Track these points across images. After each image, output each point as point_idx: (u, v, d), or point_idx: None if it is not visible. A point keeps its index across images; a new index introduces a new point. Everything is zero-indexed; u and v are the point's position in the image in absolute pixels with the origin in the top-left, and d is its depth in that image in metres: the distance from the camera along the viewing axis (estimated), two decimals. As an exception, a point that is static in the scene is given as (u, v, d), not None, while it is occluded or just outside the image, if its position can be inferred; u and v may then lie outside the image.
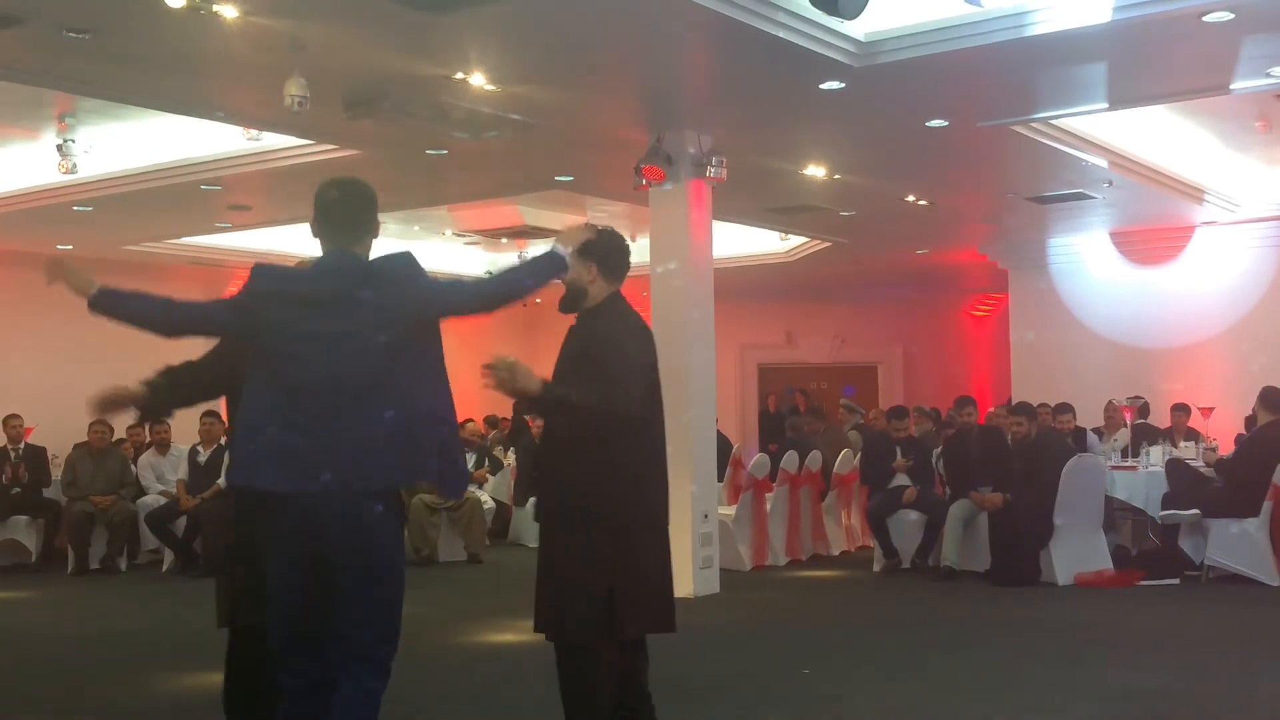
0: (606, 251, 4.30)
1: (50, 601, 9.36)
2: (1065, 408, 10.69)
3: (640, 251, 9.76)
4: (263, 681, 3.85)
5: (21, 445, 11.15)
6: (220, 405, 12.06)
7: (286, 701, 3.62)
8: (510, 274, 3.88)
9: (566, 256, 3.98)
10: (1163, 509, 9.25)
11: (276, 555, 3.59)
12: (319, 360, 3.56)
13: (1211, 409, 10.87)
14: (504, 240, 14.63)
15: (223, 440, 11.21)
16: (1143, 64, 7.53)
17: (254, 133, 9.00)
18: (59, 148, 9.20)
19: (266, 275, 3.81)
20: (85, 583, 10.23)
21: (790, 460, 10.55)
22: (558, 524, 4.18)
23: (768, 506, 10.26)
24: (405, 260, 3.79)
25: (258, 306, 3.69)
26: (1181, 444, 10.62)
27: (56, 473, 11.23)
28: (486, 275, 4.04)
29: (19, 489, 10.86)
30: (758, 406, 19.42)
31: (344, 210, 3.94)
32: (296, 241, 14.30)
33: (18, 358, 13.24)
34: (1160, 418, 11.95)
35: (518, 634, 7.20)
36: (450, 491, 3.75)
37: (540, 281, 3.87)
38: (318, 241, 3.96)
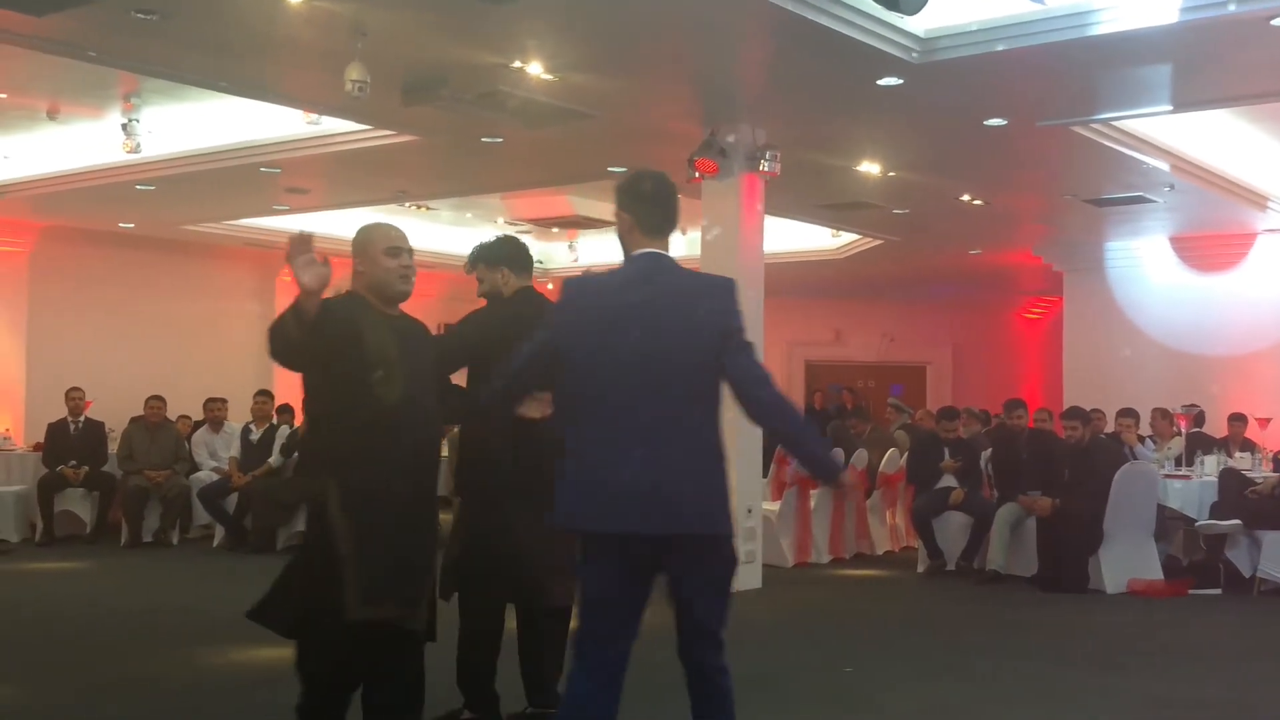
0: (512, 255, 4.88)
1: (103, 573, 9.52)
2: (1128, 412, 10.53)
3: (691, 245, 9.81)
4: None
5: (82, 418, 11.35)
6: (273, 384, 12.35)
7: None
8: (794, 414, 3.68)
9: (840, 475, 3.96)
10: (1211, 519, 9.14)
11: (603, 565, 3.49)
12: (650, 380, 3.42)
13: (1269, 419, 10.71)
14: (555, 230, 14.69)
15: (274, 419, 11.38)
16: (1208, 66, 7.42)
17: (314, 117, 9.08)
18: (124, 127, 9.34)
19: (563, 301, 3.68)
20: (138, 555, 10.40)
21: (836, 458, 10.49)
22: None
23: (812, 503, 10.23)
24: (729, 286, 3.64)
25: (576, 323, 3.56)
26: (1237, 454, 10.47)
27: (113, 447, 11.42)
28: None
29: (76, 463, 11.04)
30: (804, 403, 19.36)
31: (667, 206, 3.69)
32: (353, 226, 14.44)
33: (78, 332, 13.47)
34: (1215, 427, 11.79)
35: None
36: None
37: (795, 453, 4.02)
38: (630, 240, 3.69)
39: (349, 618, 3.78)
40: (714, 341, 3.49)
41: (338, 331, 3.83)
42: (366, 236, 4.23)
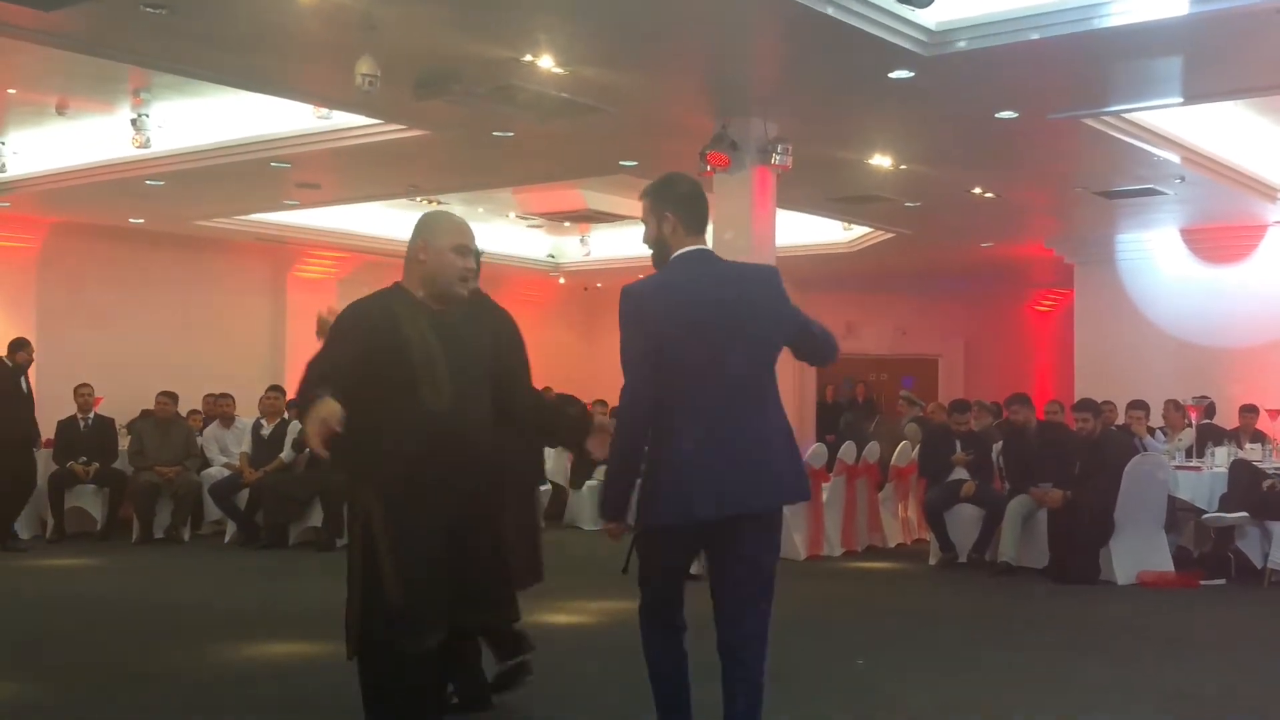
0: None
1: (115, 569, 9.54)
2: (1139, 404, 10.51)
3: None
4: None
5: (91, 415, 11.37)
6: (284, 379, 12.37)
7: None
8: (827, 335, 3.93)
9: None
10: (1220, 510, 9.11)
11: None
12: (757, 362, 3.69)
13: (1280, 411, 10.69)
14: (566, 224, 14.70)
15: (285, 414, 11.40)
16: (1219, 58, 7.40)
17: (324, 111, 9.10)
18: (133, 122, 9.38)
19: (649, 298, 3.69)
20: (149, 552, 10.43)
21: (848, 451, 10.51)
22: None
23: (824, 496, 10.22)
24: (776, 272, 3.90)
25: (667, 326, 3.63)
26: (1248, 445, 10.44)
27: (123, 443, 11.43)
28: None
29: (87, 459, 11.06)
30: (815, 396, 19.34)
31: (703, 204, 3.85)
32: (363, 220, 14.48)
33: (87, 328, 13.50)
34: (1226, 418, 11.76)
35: (571, 615, 7.26)
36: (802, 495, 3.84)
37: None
38: (675, 240, 3.77)
39: (397, 649, 3.72)
40: (777, 326, 3.76)
41: (374, 342, 3.73)
42: (436, 225, 3.99)
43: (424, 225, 3.99)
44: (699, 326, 3.63)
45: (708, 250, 3.81)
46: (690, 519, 3.59)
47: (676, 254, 3.77)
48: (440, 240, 3.91)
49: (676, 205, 3.80)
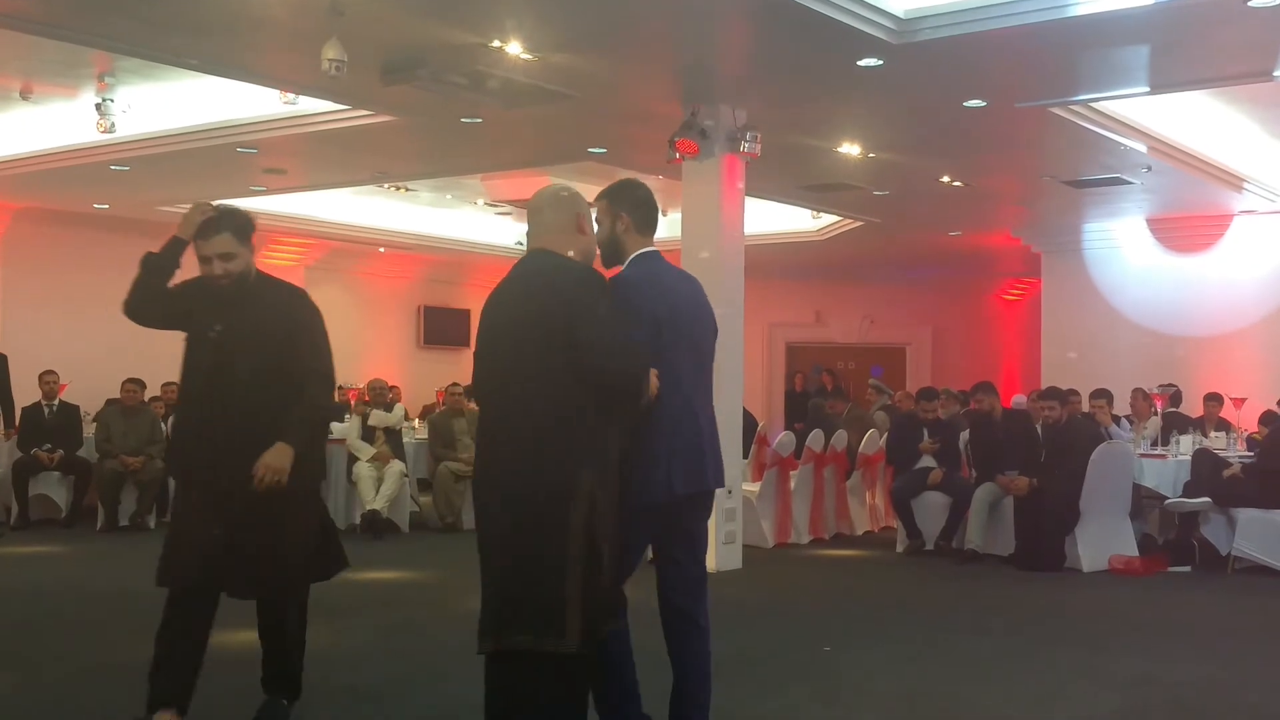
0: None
1: (80, 557, 9.47)
2: (1102, 393, 10.58)
3: (672, 226, 9.80)
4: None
5: (56, 402, 11.26)
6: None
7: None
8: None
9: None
10: (1182, 497, 9.21)
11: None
12: (704, 358, 4.21)
13: (1244, 399, 10.79)
14: (536, 211, 14.64)
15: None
16: (1185, 48, 7.45)
17: (290, 96, 9.02)
18: (98, 107, 9.27)
19: (648, 285, 4.00)
20: (114, 539, 10.34)
21: (815, 439, 10.54)
22: None
23: (792, 484, 10.25)
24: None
25: (659, 318, 3.97)
26: (1213, 434, 10.55)
27: (88, 430, 11.33)
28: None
29: (51, 446, 10.96)
30: (784, 385, 19.40)
31: (656, 209, 4.20)
32: (331, 207, 14.40)
33: (52, 315, 13.37)
34: (1191, 407, 11.87)
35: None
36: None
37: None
38: (628, 239, 4.12)
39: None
40: (714, 325, 4.32)
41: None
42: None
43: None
44: (679, 318, 4.04)
45: (659, 253, 4.12)
46: (673, 497, 3.94)
47: (640, 253, 4.08)
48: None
49: (633, 208, 4.10)
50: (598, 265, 3.95)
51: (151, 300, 4.49)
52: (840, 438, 10.91)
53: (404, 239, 15.57)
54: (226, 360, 4.29)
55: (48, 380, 11.26)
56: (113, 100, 9.31)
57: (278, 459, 4.18)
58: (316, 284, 16.11)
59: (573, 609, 3.47)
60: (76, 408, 11.42)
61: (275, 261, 15.62)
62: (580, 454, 3.56)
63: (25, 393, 11.38)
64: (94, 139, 9.87)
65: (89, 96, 9.40)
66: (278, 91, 8.97)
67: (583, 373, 3.54)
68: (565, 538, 3.47)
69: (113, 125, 9.35)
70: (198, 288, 4.43)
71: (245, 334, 4.32)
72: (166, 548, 4.33)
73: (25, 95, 9.46)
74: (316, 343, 4.45)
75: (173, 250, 4.47)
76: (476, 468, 3.78)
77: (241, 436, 4.22)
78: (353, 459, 10.63)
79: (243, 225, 4.41)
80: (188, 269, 4.49)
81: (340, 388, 12.58)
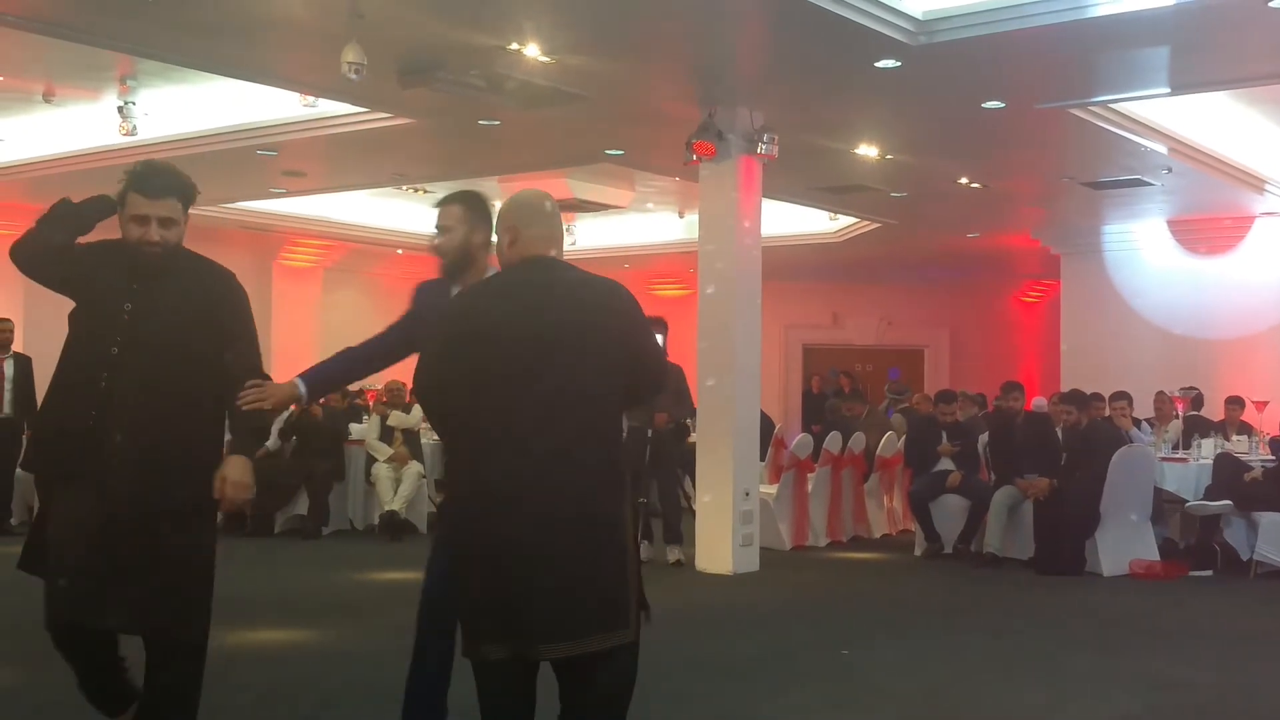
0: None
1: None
2: (1122, 395, 10.47)
3: (689, 228, 9.80)
4: None
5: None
6: (272, 368, 12.29)
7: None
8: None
9: None
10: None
11: None
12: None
13: (1266, 403, 10.73)
14: (553, 214, 14.65)
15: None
16: (1206, 49, 7.41)
17: (310, 99, 9.06)
18: (120, 109, 9.33)
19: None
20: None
21: (833, 441, 10.52)
22: None
23: (809, 487, 10.24)
24: None
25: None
26: (1234, 437, 10.48)
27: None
28: None
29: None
30: (801, 387, 19.37)
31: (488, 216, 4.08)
32: (349, 209, 14.44)
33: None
34: (1213, 410, 11.80)
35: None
36: None
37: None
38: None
39: None
40: None
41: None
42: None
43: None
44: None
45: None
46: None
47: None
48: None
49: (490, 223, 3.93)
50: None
51: (52, 259, 3.79)
52: (858, 440, 10.89)
53: (422, 241, 15.58)
54: (133, 344, 3.61)
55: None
56: (134, 103, 9.37)
57: (243, 475, 3.59)
58: (335, 285, 16.19)
59: (635, 600, 3.31)
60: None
61: (294, 263, 15.69)
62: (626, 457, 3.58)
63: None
64: (116, 141, 9.91)
65: (111, 99, 9.46)
66: (297, 94, 9.01)
67: (643, 389, 3.47)
68: (624, 535, 3.32)
69: (134, 128, 9.41)
70: (109, 251, 3.78)
71: (163, 315, 3.66)
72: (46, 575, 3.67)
73: (48, 98, 9.52)
74: (250, 334, 3.92)
75: (99, 208, 3.89)
76: (518, 487, 3.18)
77: (143, 440, 3.53)
78: (371, 460, 10.66)
79: (190, 193, 3.84)
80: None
81: (360, 389, 12.65)
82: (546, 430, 3.21)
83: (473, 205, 4.03)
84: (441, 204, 4.14)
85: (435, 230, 4.10)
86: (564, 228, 3.59)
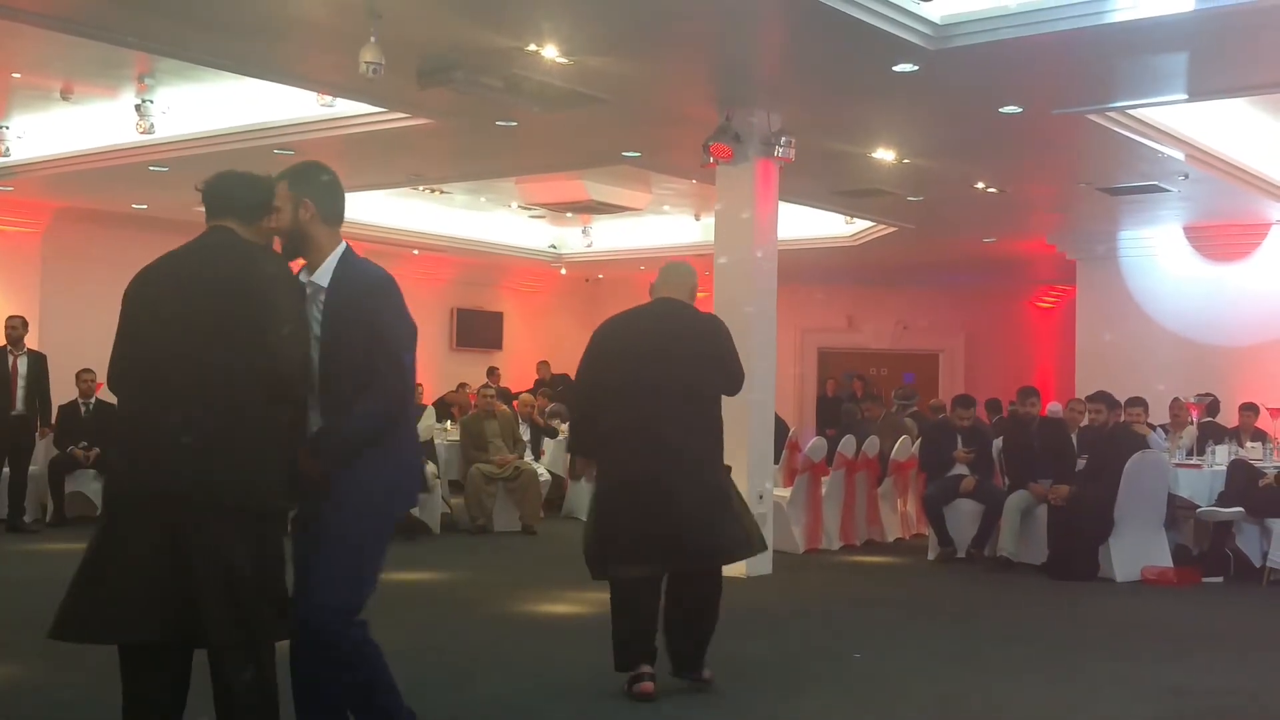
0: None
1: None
2: (1138, 401, 10.44)
3: (705, 230, 9.79)
4: None
5: (93, 400, 11.37)
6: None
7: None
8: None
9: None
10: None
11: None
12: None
13: (1280, 409, 10.68)
14: (569, 215, 14.69)
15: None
16: (1225, 55, 7.39)
17: (328, 99, 9.09)
18: (137, 108, 9.38)
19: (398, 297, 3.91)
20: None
21: (847, 444, 10.51)
22: None
23: (823, 490, 10.23)
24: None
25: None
26: (1249, 444, 10.44)
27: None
28: None
29: (87, 444, 11.06)
30: (816, 390, 19.36)
31: (343, 197, 3.92)
32: (366, 209, 14.48)
33: (90, 315, 13.46)
34: (1228, 416, 11.76)
35: (569, 605, 7.27)
36: None
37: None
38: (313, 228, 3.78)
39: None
40: None
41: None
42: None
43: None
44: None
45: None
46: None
47: (346, 251, 3.80)
48: None
49: (319, 193, 3.74)
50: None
51: None
52: (872, 444, 10.87)
53: (438, 241, 15.63)
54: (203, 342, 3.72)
55: (85, 379, 11.36)
56: (152, 101, 9.41)
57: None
58: (351, 285, 16.20)
59: (746, 528, 5.19)
60: (113, 406, 11.45)
61: (310, 263, 15.72)
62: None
63: (63, 391, 11.48)
64: (133, 139, 9.96)
65: (129, 97, 9.50)
66: (315, 94, 9.04)
67: (729, 389, 5.25)
68: (730, 484, 5.23)
69: (152, 126, 9.46)
70: None
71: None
72: (92, 592, 3.67)
73: (66, 95, 9.57)
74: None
75: None
76: (664, 450, 4.98)
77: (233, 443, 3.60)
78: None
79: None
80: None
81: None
82: (670, 418, 5.00)
83: (295, 180, 3.72)
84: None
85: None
86: (694, 279, 5.36)
